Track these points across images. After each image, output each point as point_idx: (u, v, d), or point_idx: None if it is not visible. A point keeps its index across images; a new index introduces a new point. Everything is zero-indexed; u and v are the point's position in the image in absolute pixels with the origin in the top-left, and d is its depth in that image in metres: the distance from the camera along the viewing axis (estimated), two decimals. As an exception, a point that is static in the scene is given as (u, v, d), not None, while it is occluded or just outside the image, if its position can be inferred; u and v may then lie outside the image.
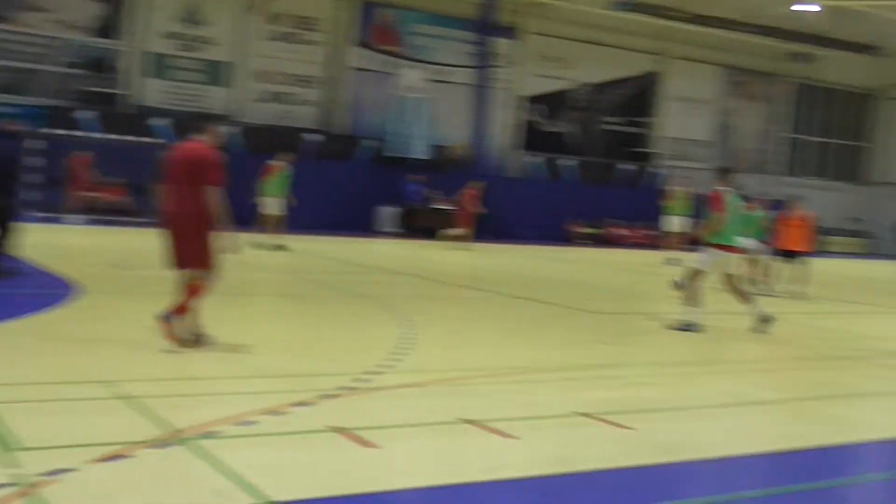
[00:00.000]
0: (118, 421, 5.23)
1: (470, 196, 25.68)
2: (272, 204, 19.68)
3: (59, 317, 9.04)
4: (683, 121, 39.27)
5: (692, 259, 11.02)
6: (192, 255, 7.57)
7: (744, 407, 6.89)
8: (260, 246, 18.09)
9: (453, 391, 6.66)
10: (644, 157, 38.34)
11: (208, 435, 4.96)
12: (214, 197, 7.43)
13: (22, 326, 8.34)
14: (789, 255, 16.17)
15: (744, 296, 11.02)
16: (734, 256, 10.91)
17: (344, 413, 5.71)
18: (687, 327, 10.49)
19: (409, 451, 5.14)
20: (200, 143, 7.81)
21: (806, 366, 9.28)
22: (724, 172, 11.54)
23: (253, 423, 5.29)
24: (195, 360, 7.20)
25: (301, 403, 5.79)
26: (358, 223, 30.29)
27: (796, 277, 15.86)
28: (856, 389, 8.06)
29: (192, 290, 7.60)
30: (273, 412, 5.53)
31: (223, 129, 9.25)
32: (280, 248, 18.69)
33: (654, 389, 7.33)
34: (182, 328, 7.55)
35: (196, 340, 7.55)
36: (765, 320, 10.72)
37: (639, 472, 4.98)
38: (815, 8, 34.24)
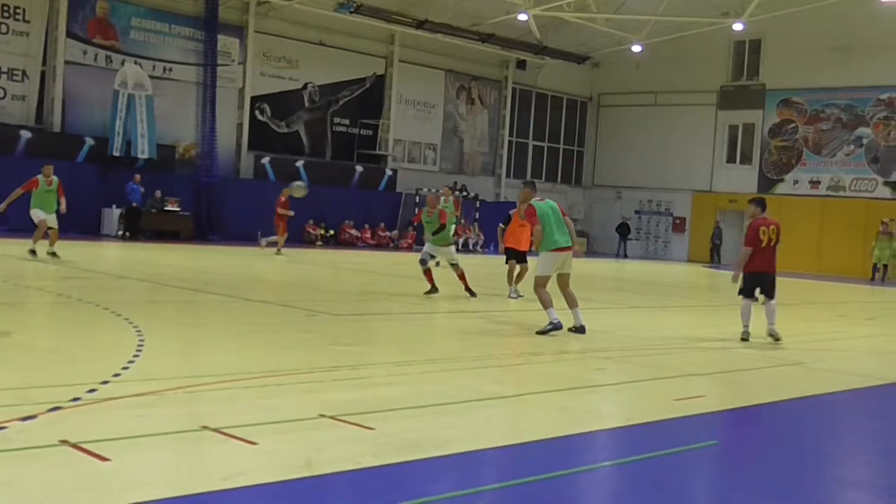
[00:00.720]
0: None
1: (281, 202, 25.37)
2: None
3: None
4: (412, 123, 40.26)
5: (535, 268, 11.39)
6: None
7: (482, 402, 7.12)
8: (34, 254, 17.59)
9: (190, 398, 6.48)
10: (374, 159, 38.90)
11: (-80, 458, 4.57)
12: None
13: None
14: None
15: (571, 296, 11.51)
16: (564, 255, 11.42)
17: (74, 426, 5.42)
18: (552, 328, 10.97)
19: (146, 462, 4.96)
20: None
21: (539, 360, 9.78)
22: (531, 185, 12.26)
23: (-28, 441, 4.93)
24: None
25: (26, 417, 5.44)
26: (81, 226, 28.71)
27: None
28: (584, 382, 8.57)
29: None
30: (-6, 429, 5.18)
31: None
32: None
33: (394, 389, 7.46)
34: None
35: None
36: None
37: (382, 472, 5.02)
38: (524, 17, 36.12)
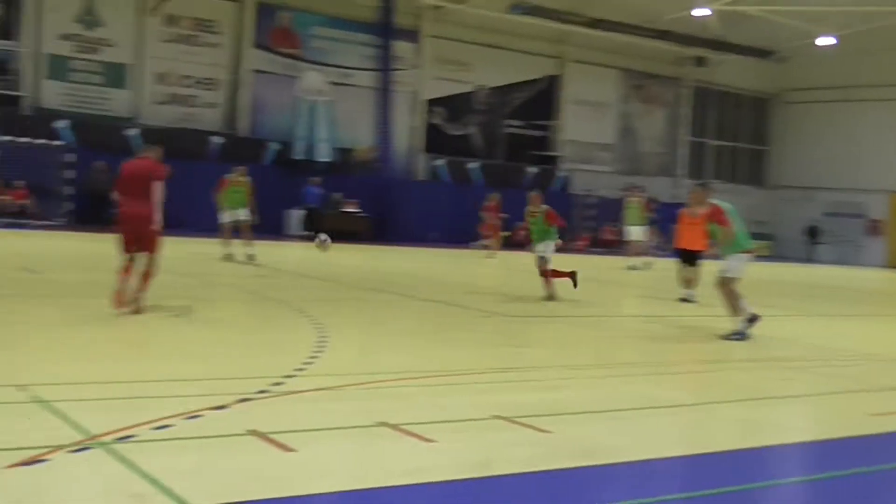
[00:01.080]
0: (33, 425, 5.13)
1: (490, 208, 26.26)
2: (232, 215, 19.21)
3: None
4: (585, 124, 39.90)
5: (725, 270, 10.97)
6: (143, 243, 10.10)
7: (657, 410, 6.99)
8: (229, 258, 18.34)
9: (369, 394, 6.66)
10: (548, 160, 38.81)
11: (125, 439, 4.88)
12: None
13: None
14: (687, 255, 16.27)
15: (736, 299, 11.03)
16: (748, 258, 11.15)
17: (261, 417, 5.66)
18: (737, 336, 10.69)
19: (327, 454, 5.13)
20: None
21: (718, 368, 9.52)
22: (706, 186, 11.92)
23: (169, 426, 5.23)
24: (109, 364, 7.09)
25: (217, 407, 5.73)
26: (266, 226, 29.92)
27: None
28: (766, 393, 8.20)
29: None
30: (189, 416, 5.47)
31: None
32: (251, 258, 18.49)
33: (568, 392, 7.41)
34: (134, 299, 9.78)
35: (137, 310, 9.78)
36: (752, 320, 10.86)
37: (556, 476, 5.00)
38: (707, 12, 35.13)
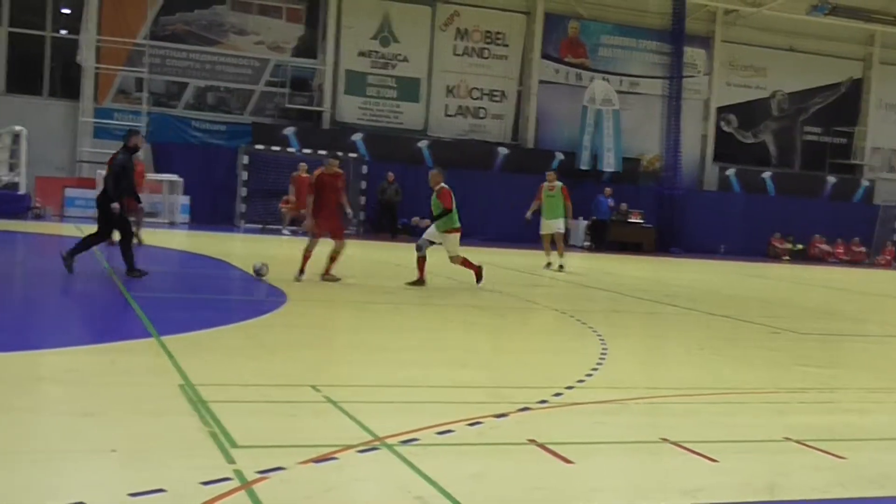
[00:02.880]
0: (325, 424, 5.41)
1: None
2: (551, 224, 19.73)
3: (269, 323, 9.48)
4: (893, 129, 37.20)
5: None
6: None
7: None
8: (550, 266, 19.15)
9: (651, 409, 6.52)
10: (849, 169, 36.53)
11: (409, 441, 5.04)
12: None
13: (237, 331, 8.80)
14: None
15: None
16: None
17: (540, 427, 5.68)
18: None
19: (605, 468, 5.05)
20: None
21: None
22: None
23: (451, 431, 5.35)
24: (395, 369, 7.39)
25: (498, 415, 5.81)
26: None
27: None
28: None
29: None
30: (471, 422, 5.58)
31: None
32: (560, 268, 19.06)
33: (868, 417, 6.90)
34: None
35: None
36: None
37: (850, 504, 4.69)
38: None
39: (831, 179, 35.67)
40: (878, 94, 36.90)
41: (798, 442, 5.71)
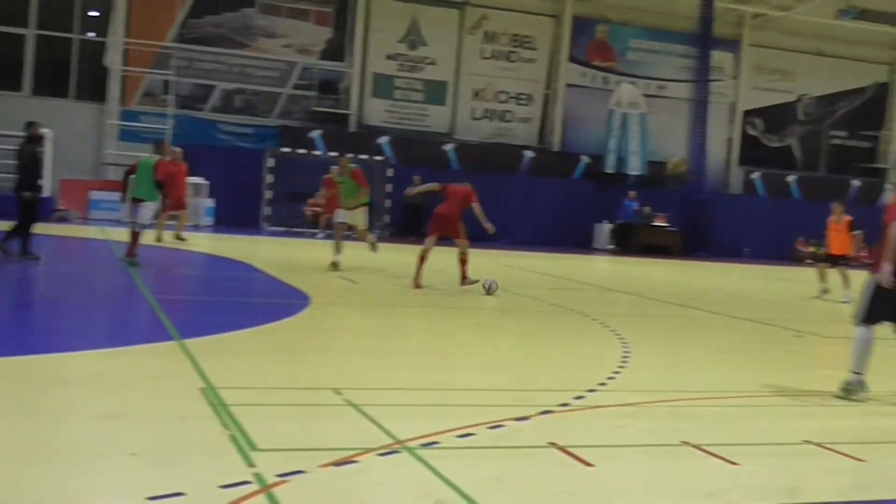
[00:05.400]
0: (345, 427, 5.45)
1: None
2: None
3: (292, 326, 9.54)
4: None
5: None
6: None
7: None
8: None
9: (672, 412, 6.53)
10: (874, 173, 36.28)
11: (430, 445, 5.08)
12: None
13: (258, 334, 8.84)
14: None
15: None
16: None
17: (562, 430, 5.70)
18: None
19: (626, 471, 5.08)
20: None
21: None
22: None
23: (472, 434, 5.38)
24: (417, 372, 7.43)
25: (520, 418, 5.84)
26: (575, 239, 30.32)
27: None
28: None
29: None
30: (492, 425, 5.62)
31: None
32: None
33: (888, 420, 6.91)
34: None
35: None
36: None
37: (870, 507, 4.70)
38: None
39: (856, 183, 35.43)
40: (905, 97, 36.69)
41: (818, 445, 5.72)
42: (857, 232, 16.65)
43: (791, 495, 4.74)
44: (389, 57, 31.65)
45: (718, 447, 5.44)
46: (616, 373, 7.79)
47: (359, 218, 15.96)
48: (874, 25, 33.47)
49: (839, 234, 16.89)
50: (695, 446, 5.46)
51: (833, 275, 16.98)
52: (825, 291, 16.85)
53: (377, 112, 31.54)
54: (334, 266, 15.47)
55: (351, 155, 27.49)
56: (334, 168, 17.45)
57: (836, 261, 17.05)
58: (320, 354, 8.11)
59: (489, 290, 13.21)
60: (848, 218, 16.96)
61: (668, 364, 9.09)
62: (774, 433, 6.16)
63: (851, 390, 7.05)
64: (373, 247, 16.05)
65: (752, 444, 5.74)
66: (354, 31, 31.24)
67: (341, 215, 16.09)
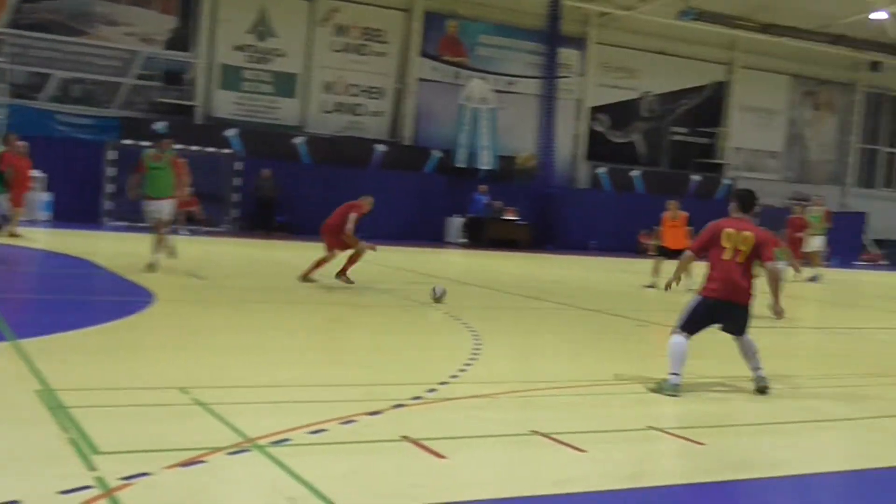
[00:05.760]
0: (193, 427, 5.30)
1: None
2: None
3: (136, 324, 9.22)
4: (752, 131, 38.83)
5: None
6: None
7: (823, 423, 6.73)
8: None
9: (522, 403, 6.63)
10: (714, 168, 37.91)
11: (280, 442, 5.00)
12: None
13: (99, 333, 8.50)
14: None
15: None
16: None
17: (414, 423, 5.71)
18: None
19: (478, 461, 5.13)
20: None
21: (878, 382, 9.03)
22: None
23: (324, 430, 5.33)
24: (267, 370, 7.30)
25: (372, 413, 5.81)
26: (427, 233, 30.46)
27: None
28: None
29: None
30: (344, 420, 5.57)
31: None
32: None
33: (726, 405, 7.21)
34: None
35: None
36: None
37: (712, 489, 4.89)
38: (884, 16, 33.60)
39: (695, 178, 36.91)
40: (739, 97, 38.38)
41: (661, 430, 5.91)
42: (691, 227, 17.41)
43: (636, 479, 4.88)
44: (237, 48, 31.05)
45: (567, 435, 5.55)
46: (468, 365, 7.85)
47: (165, 209, 14.46)
48: (712, 26, 34.89)
49: (675, 229, 17.84)
50: (544, 435, 5.55)
51: (669, 267, 17.60)
52: (652, 286, 17.29)
53: (225, 104, 30.90)
54: (150, 267, 13.84)
55: (198, 148, 26.99)
56: (150, 151, 15.10)
57: (671, 254, 17.63)
58: (165, 353, 7.83)
59: (438, 298, 12.56)
60: (684, 214, 17.71)
61: (519, 355, 9.23)
62: (620, 420, 6.34)
63: (665, 388, 7.25)
64: (171, 252, 14.80)
65: (599, 431, 5.90)
66: (200, 21, 30.49)
67: (153, 207, 14.42)
